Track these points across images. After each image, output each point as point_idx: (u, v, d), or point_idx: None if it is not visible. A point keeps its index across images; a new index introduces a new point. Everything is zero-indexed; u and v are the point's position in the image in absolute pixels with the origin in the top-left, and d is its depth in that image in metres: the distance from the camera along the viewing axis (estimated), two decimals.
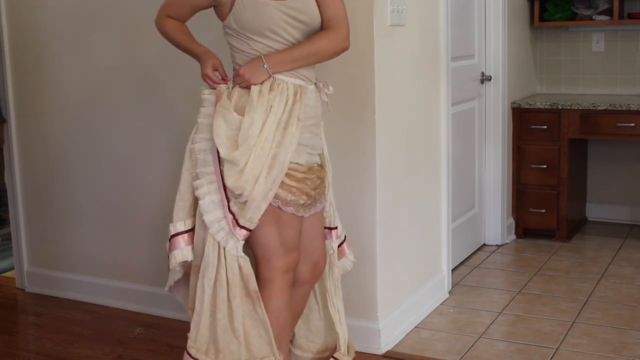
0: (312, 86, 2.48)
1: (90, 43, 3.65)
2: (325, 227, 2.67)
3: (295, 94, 2.41)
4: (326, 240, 2.68)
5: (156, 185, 3.57)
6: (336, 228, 2.70)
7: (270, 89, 2.38)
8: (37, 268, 4.06)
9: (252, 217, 2.37)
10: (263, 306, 2.43)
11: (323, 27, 2.44)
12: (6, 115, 4.00)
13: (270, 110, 2.37)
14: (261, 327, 2.44)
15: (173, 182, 3.48)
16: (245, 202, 2.36)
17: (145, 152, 3.58)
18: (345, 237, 2.78)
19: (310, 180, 2.47)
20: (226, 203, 2.40)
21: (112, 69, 3.61)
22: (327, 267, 2.69)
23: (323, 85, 2.51)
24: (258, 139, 2.34)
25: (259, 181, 2.35)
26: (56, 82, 3.80)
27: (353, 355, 2.78)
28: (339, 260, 2.73)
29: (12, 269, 4.30)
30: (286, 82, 2.41)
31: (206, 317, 2.45)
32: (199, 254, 2.48)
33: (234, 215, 2.39)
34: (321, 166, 2.56)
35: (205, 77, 2.48)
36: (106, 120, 3.68)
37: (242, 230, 2.39)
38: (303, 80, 2.44)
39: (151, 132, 3.55)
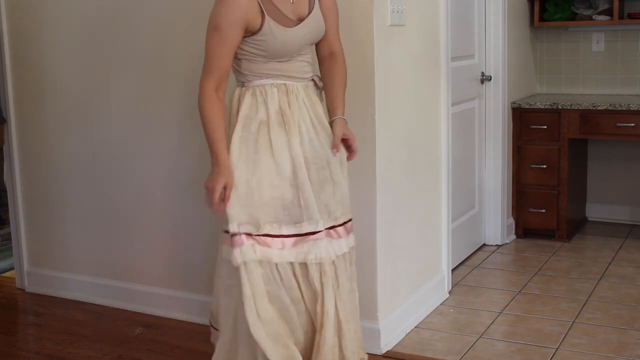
0: None
1: (90, 43, 3.65)
2: None
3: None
4: None
5: (157, 184, 3.57)
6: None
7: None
8: (37, 268, 4.06)
9: None
10: None
11: (322, 39, 2.57)
12: (6, 115, 4.00)
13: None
14: None
15: (173, 182, 3.49)
16: None
17: (145, 152, 3.58)
18: None
19: None
20: None
21: (112, 69, 3.61)
22: None
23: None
24: None
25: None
26: (56, 82, 3.80)
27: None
28: None
29: (12, 269, 4.30)
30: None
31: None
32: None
33: None
34: None
35: (211, 190, 2.34)
36: (106, 121, 3.68)
37: None
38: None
39: (151, 132, 3.54)
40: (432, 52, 3.52)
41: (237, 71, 2.49)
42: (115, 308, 3.75)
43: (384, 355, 3.11)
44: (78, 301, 3.87)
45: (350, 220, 2.55)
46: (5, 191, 4.54)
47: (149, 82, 3.51)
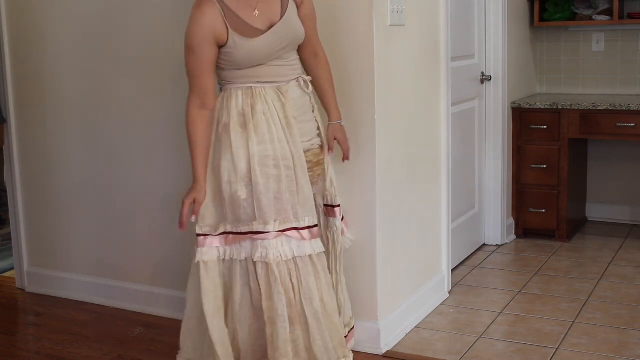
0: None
1: (90, 44, 3.65)
2: (328, 205, 2.78)
3: None
4: (330, 218, 2.79)
5: (156, 185, 3.57)
6: (339, 206, 2.79)
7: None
8: (37, 268, 4.06)
9: None
10: None
11: (305, 44, 2.67)
12: (6, 115, 4.01)
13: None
14: None
15: (173, 182, 3.49)
16: None
17: (145, 151, 3.58)
18: (342, 216, 2.89)
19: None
20: None
21: (112, 70, 3.61)
22: (330, 244, 2.79)
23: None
24: None
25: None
26: (56, 82, 3.80)
27: (351, 326, 2.96)
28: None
29: (12, 269, 4.31)
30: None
31: None
32: None
33: None
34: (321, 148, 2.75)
35: (183, 203, 2.56)
36: (106, 120, 3.68)
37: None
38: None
39: (151, 131, 3.55)
40: (432, 52, 3.52)
41: (218, 79, 2.62)
42: (115, 308, 3.75)
43: (384, 355, 3.11)
44: (78, 301, 3.87)
45: (316, 225, 2.60)
46: (5, 191, 4.54)
47: (149, 82, 3.51)
